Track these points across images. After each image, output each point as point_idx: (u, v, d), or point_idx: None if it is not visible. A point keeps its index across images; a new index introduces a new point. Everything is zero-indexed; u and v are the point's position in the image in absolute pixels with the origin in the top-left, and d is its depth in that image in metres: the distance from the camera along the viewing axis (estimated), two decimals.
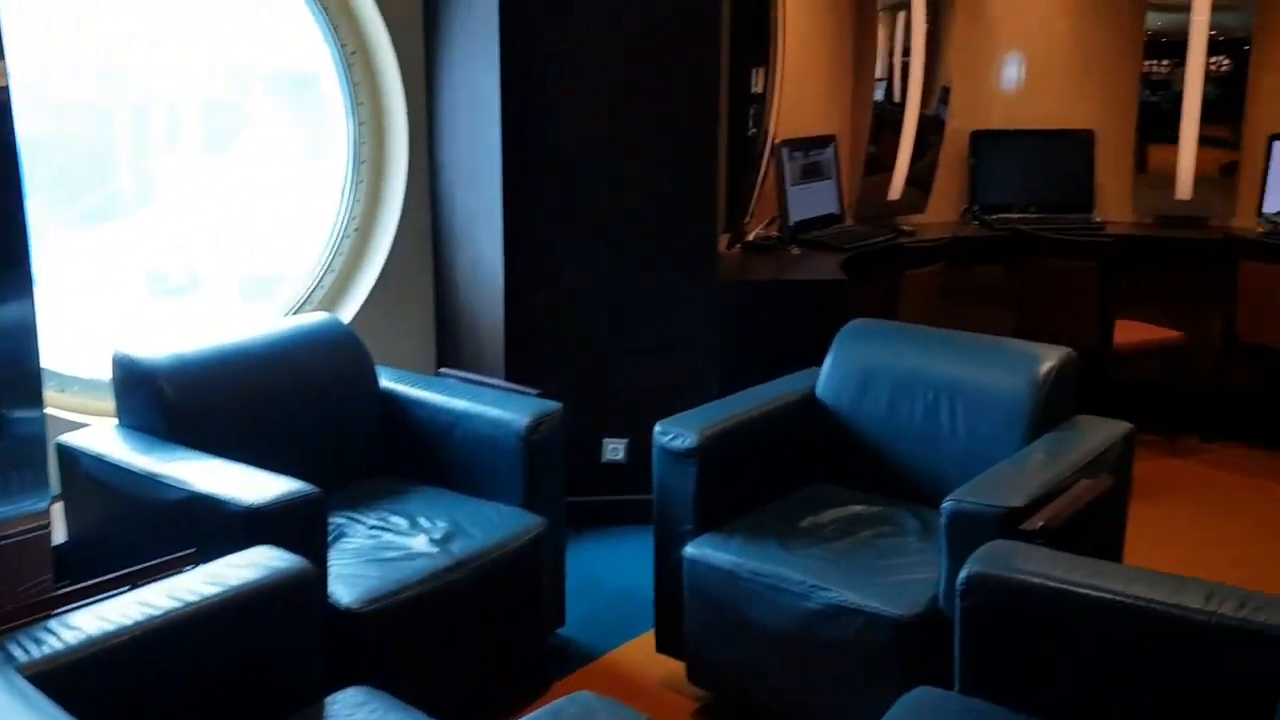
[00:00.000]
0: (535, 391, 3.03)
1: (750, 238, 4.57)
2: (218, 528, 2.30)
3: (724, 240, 4.32)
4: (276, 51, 3.74)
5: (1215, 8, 4.93)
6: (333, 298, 3.75)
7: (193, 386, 2.75)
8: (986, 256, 4.99)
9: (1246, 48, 4.94)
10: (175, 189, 3.63)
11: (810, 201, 4.74)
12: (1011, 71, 5.33)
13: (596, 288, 3.78)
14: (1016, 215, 5.16)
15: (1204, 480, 4.50)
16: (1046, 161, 5.28)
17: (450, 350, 3.89)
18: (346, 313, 3.67)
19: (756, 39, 4.26)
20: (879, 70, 5.02)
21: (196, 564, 1.99)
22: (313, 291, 3.72)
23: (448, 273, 3.87)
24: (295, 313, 3.65)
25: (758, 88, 4.32)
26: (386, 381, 3.16)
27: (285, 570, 1.97)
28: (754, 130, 4.37)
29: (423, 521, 2.75)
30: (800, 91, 4.68)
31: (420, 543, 2.64)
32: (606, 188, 3.73)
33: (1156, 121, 5.13)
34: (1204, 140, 5.07)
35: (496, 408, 2.92)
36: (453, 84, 3.72)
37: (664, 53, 3.67)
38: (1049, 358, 2.83)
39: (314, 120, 3.82)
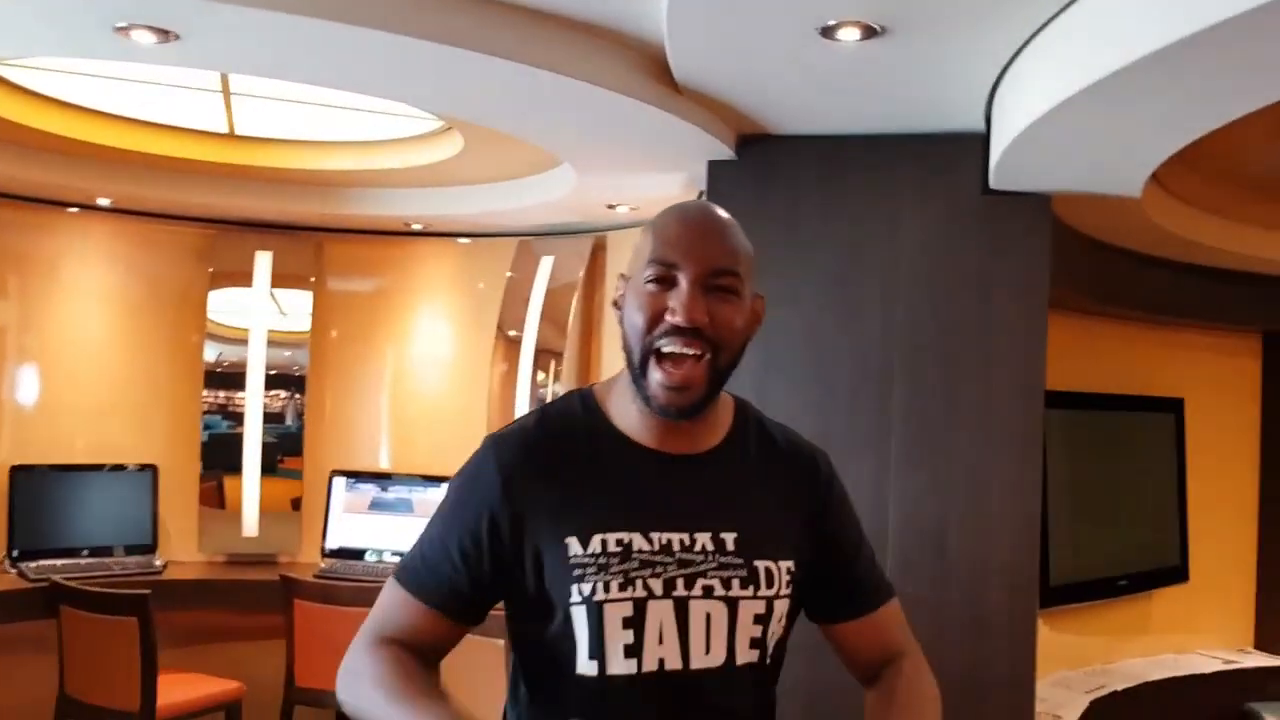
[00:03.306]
0: None
1: None
2: None
3: None
4: None
5: (271, 343, 4.94)
6: None
7: None
8: (24, 611, 4.20)
9: (304, 383, 5.00)
10: None
11: None
12: (64, 402, 4.76)
13: None
14: (65, 561, 4.49)
15: None
16: (104, 500, 4.72)
17: None
18: None
19: None
20: None
21: None
22: None
23: None
24: None
25: None
26: None
27: None
28: None
29: None
30: None
31: None
32: None
33: (224, 455, 4.92)
34: (275, 473, 4.96)
35: None
36: None
37: None
38: None
39: None
